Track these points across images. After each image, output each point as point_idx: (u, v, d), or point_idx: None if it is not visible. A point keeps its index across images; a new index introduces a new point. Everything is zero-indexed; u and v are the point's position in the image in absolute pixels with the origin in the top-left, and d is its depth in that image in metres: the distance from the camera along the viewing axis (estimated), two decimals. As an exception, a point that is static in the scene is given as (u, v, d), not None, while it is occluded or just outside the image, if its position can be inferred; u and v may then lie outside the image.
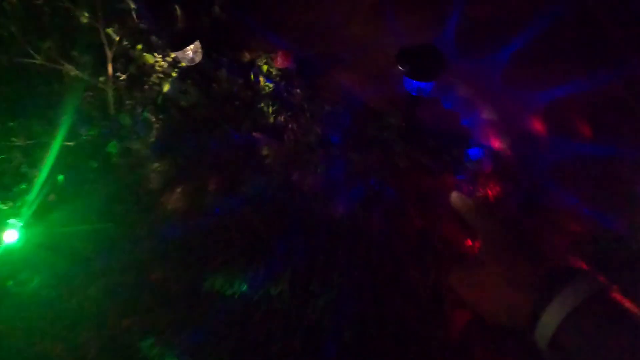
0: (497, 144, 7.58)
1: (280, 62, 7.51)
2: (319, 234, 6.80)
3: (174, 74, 6.97)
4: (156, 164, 6.76)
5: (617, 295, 1.37)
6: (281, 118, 7.30)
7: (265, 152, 7.15)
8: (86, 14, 6.44)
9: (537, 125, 7.62)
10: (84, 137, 6.59)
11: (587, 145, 7.31)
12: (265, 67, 7.42)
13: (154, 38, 6.93)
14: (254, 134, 7.21)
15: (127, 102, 6.79)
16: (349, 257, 6.68)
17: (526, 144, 7.50)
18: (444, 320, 6.09)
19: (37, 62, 6.33)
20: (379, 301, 6.42)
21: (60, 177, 6.34)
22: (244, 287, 6.09)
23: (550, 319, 1.38)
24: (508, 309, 1.49)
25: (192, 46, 7.07)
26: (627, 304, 1.36)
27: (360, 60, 7.79)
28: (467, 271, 1.64)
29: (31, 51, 6.25)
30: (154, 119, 6.90)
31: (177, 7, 6.93)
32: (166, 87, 7.00)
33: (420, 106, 7.10)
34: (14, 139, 6.30)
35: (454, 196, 1.79)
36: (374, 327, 6.25)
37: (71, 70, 6.53)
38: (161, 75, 7.03)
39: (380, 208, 7.15)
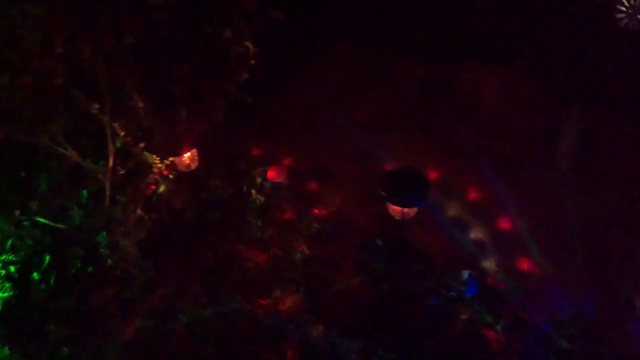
0: (487, 265, 7.81)
1: (273, 175, 7.90)
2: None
3: (170, 177, 7.26)
4: (140, 262, 6.82)
5: None
6: (268, 233, 7.55)
7: (248, 265, 7.28)
8: (96, 106, 6.79)
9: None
10: (77, 223, 6.68)
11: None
12: (258, 180, 7.79)
13: (156, 138, 7.25)
14: (239, 246, 7.40)
15: (122, 197, 6.99)
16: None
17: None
18: None
19: (41, 142, 6.57)
20: None
21: (47, 258, 6.36)
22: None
23: None
24: None
25: (189, 154, 7.44)
26: None
27: (352, 176, 8.23)
28: None
29: (38, 131, 6.52)
30: (145, 218, 7.08)
31: (182, 109, 7.32)
32: (161, 188, 7.25)
33: (407, 228, 7.35)
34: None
35: None
36: None
37: (74, 156, 6.76)
38: (157, 177, 7.31)
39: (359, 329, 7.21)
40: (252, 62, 7.44)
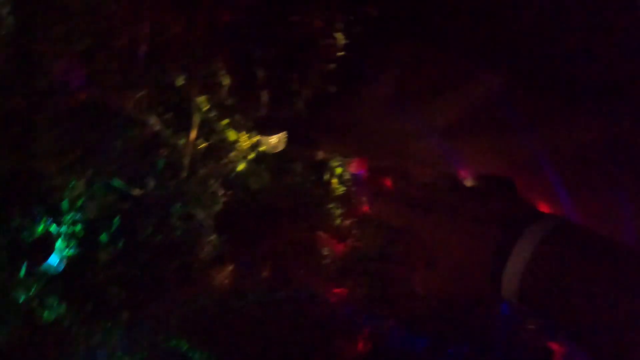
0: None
1: (354, 168, 7.68)
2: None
3: (251, 156, 7.13)
4: (214, 236, 6.73)
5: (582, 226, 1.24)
6: (347, 224, 7.33)
7: (325, 252, 7.08)
8: (182, 78, 6.75)
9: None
10: (151, 191, 6.63)
11: None
12: (339, 170, 7.57)
13: (238, 116, 7.16)
14: (316, 233, 7.21)
15: (200, 170, 6.90)
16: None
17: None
18: None
19: (124, 106, 6.54)
20: None
21: (116, 220, 6.30)
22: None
23: (517, 259, 1.26)
24: (466, 277, 1.39)
25: (278, 135, 7.29)
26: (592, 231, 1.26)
27: (427, 177, 7.90)
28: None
29: (122, 95, 6.51)
30: (221, 193, 6.96)
31: (264, 92, 7.20)
32: (241, 167, 7.13)
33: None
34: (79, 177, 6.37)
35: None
36: None
37: (155, 124, 6.72)
38: (239, 154, 7.20)
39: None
40: (340, 54, 7.28)
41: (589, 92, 7.26)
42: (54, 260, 4.97)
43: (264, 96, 6.98)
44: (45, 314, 4.86)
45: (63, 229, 5.38)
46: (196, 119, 6.58)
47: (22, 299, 4.74)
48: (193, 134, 6.53)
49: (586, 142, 7.24)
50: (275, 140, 6.33)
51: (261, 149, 6.46)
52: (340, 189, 6.82)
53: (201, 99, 6.64)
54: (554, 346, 6.48)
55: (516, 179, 6.79)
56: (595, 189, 7.20)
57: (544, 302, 1.22)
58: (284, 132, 6.59)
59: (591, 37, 7.27)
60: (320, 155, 7.04)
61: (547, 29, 7.68)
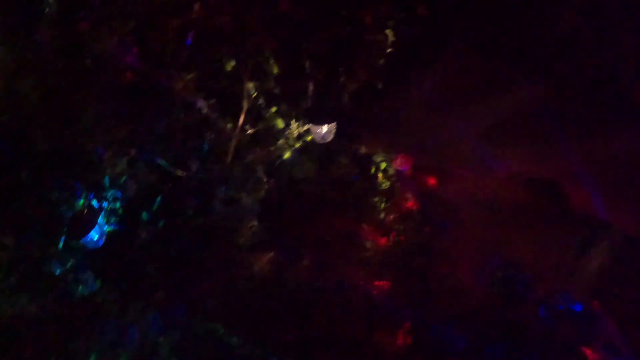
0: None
1: (399, 164, 7.63)
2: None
3: (297, 145, 7.11)
4: (255, 222, 6.72)
5: None
6: (390, 218, 7.28)
7: (368, 245, 7.06)
8: (232, 63, 6.75)
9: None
10: (196, 174, 6.65)
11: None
12: (384, 165, 7.53)
13: (285, 105, 7.15)
14: (360, 225, 7.16)
15: (248, 155, 6.90)
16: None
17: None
18: None
19: (174, 87, 6.58)
20: None
21: (157, 200, 6.33)
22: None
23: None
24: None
25: (328, 125, 7.23)
26: None
27: (469, 179, 7.82)
28: None
29: (173, 77, 6.54)
30: (265, 180, 6.95)
31: (310, 84, 7.19)
32: (287, 155, 7.11)
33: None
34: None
35: None
36: None
37: (203, 107, 6.75)
38: (285, 143, 7.17)
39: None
40: (389, 50, 7.24)
41: (632, 104, 6.97)
42: (94, 234, 4.96)
43: (311, 87, 6.88)
44: (80, 288, 4.85)
45: (104, 204, 5.37)
46: (245, 105, 6.47)
47: (58, 271, 4.75)
48: (241, 120, 6.44)
49: (625, 152, 7.00)
50: (324, 130, 6.22)
51: (309, 138, 6.34)
52: (385, 184, 6.68)
53: (250, 86, 6.52)
54: (587, 351, 6.28)
55: (563, 185, 6.48)
56: (632, 199, 6.96)
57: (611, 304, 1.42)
58: (334, 123, 6.47)
59: (634, 50, 6.97)
60: (365, 149, 6.89)
61: (592, 41, 7.40)
